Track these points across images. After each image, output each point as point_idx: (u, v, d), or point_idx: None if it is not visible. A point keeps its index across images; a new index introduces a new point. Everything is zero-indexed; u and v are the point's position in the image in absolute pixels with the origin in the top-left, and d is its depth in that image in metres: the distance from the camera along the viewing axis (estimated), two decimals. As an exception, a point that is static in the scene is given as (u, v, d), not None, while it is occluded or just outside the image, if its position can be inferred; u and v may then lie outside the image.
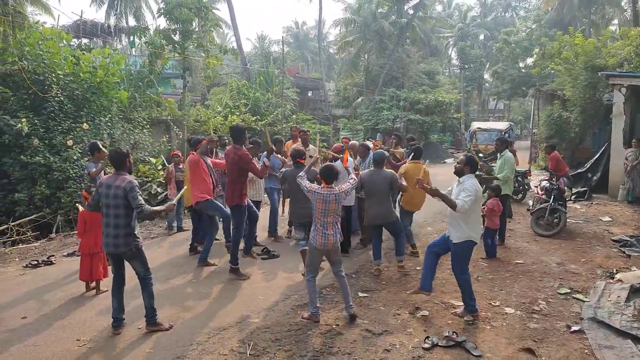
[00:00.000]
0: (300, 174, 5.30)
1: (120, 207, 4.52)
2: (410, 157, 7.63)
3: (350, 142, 8.80)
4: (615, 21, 35.27)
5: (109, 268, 5.45)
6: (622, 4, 32.40)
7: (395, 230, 6.66)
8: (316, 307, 5.05)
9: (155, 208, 4.72)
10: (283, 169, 7.40)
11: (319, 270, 5.33)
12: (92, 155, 7.07)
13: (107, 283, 5.94)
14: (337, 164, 7.29)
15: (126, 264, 4.81)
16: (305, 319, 5.05)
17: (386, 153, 7.05)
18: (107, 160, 6.66)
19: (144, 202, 4.56)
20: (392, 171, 6.72)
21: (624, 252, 7.64)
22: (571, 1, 33.27)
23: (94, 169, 6.85)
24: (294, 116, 22.74)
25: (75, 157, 9.51)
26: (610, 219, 10.09)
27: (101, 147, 7.05)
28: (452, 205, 4.96)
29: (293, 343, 4.55)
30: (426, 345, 4.50)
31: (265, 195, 8.58)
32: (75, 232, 7.41)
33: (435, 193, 5.15)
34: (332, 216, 5.00)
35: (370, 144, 9.14)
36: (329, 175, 5.07)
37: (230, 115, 17.17)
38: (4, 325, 4.94)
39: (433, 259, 5.43)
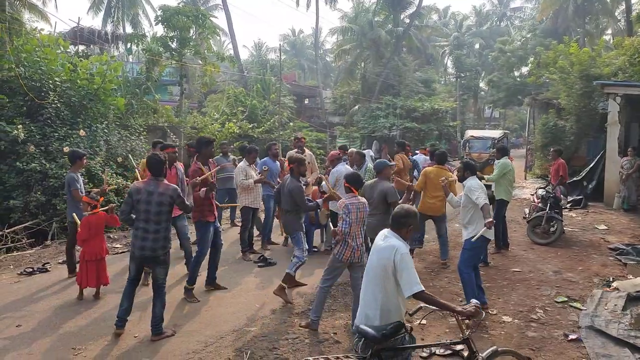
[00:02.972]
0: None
1: (164, 214, 4.62)
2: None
3: (349, 150, 8.81)
4: (609, 31, 35.70)
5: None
6: (616, 14, 32.80)
7: None
8: (317, 316, 5.00)
9: (191, 201, 5.32)
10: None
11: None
12: (73, 164, 6.57)
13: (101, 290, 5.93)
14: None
15: None
16: (302, 327, 5.02)
17: (387, 162, 6.94)
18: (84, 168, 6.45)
19: (187, 204, 4.96)
20: (389, 184, 6.43)
21: (620, 261, 7.66)
22: (566, 11, 33.64)
23: (79, 189, 6.36)
24: (290, 124, 22.76)
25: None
26: (606, 227, 10.12)
27: (83, 154, 6.73)
28: (487, 208, 5.29)
29: (290, 352, 4.52)
30: (424, 354, 4.49)
31: (261, 203, 8.55)
32: None
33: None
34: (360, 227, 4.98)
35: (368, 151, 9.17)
36: (357, 181, 5.09)
37: (227, 123, 17.18)
38: (-2, 333, 4.89)
39: (471, 274, 5.53)
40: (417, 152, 12.24)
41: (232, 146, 14.58)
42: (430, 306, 3.29)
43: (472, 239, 5.41)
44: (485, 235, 5.44)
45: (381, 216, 6.22)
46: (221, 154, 9.63)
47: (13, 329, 4.97)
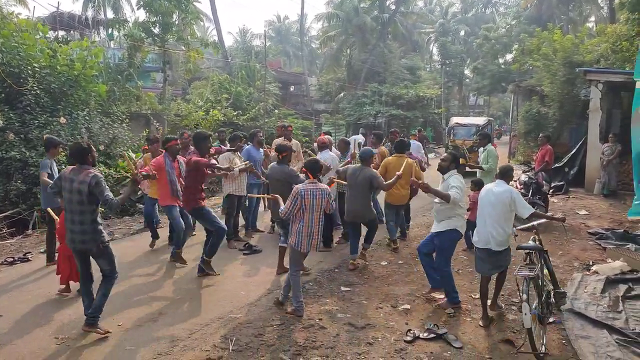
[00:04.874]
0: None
1: (85, 203, 4.33)
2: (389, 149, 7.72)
3: (324, 136, 8.78)
4: (592, 18, 35.95)
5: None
6: (599, 1, 33.03)
7: (370, 226, 6.74)
8: (300, 302, 5.05)
9: (120, 197, 4.62)
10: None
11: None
12: (47, 151, 6.63)
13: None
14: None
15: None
16: (288, 313, 5.04)
17: (374, 150, 7.01)
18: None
19: (111, 196, 4.37)
20: (374, 170, 6.69)
21: (599, 245, 7.82)
22: (550, -2, 33.81)
23: (46, 174, 6.32)
24: (276, 111, 22.64)
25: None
26: (587, 213, 10.31)
27: (58, 142, 6.76)
28: (446, 197, 5.10)
29: (276, 338, 4.55)
30: (408, 338, 4.54)
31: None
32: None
33: (427, 189, 5.26)
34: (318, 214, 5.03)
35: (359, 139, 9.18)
36: (314, 168, 5.11)
37: (211, 110, 17.00)
38: (-21, 323, 4.82)
39: (427, 260, 5.57)
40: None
41: (217, 133, 14.47)
42: (540, 220, 5.19)
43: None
44: (459, 229, 5.31)
45: (364, 201, 6.39)
46: (218, 142, 9.55)
47: (-6, 319, 4.91)
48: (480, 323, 4.90)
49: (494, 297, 5.17)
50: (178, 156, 6.77)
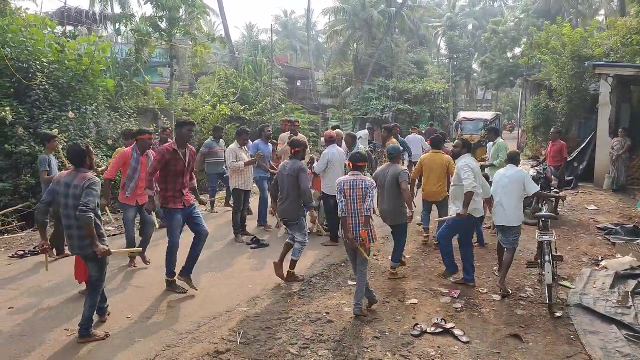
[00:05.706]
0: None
1: None
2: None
3: (332, 131, 8.54)
4: (602, 11, 35.51)
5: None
6: (609, -6, 32.62)
7: (397, 234, 6.10)
8: (358, 303, 4.91)
9: (93, 227, 4.08)
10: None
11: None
12: (44, 146, 6.79)
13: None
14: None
15: None
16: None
17: (400, 148, 6.61)
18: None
19: (92, 206, 4.07)
20: (404, 168, 6.18)
21: (609, 240, 7.77)
22: (559, -9, 33.45)
23: (47, 171, 6.42)
24: (283, 106, 22.59)
25: (61, 147, 9.33)
26: (596, 208, 10.23)
27: (52, 136, 6.81)
28: (469, 196, 5.41)
29: (283, 331, 4.57)
30: (415, 333, 4.55)
31: (255, 185, 8.54)
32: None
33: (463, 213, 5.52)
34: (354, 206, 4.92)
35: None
36: (356, 159, 5.10)
37: (218, 105, 17.01)
38: (-9, 316, 4.88)
39: (446, 244, 5.89)
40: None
41: (225, 127, 14.51)
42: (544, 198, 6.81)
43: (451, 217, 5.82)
44: (473, 214, 5.66)
45: (393, 201, 5.88)
46: (212, 138, 9.56)
47: (5, 312, 4.97)
48: (500, 291, 5.54)
49: (501, 277, 5.65)
50: (149, 151, 6.26)
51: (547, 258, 5.10)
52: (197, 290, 5.50)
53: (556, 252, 5.67)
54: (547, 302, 5.05)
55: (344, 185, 4.95)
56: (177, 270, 5.53)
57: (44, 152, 6.75)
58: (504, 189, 5.58)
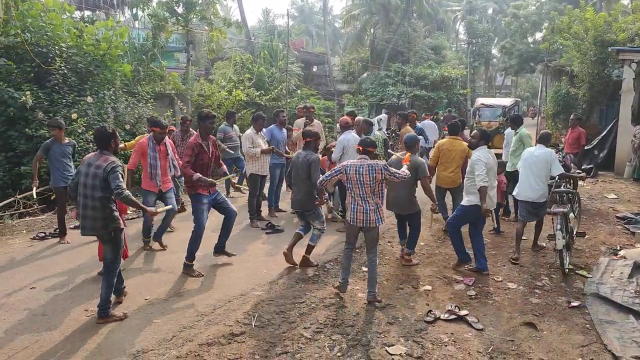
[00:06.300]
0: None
1: (98, 189, 4.25)
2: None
3: (356, 119, 8.49)
4: (628, -6, 34.46)
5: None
6: (636, -23, 31.57)
7: (411, 223, 6.15)
8: (345, 279, 5.05)
9: (135, 200, 4.35)
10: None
11: (355, 243, 5.21)
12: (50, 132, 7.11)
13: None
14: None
15: None
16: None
17: (417, 137, 6.48)
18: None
19: (124, 186, 4.24)
20: (423, 161, 6.21)
21: (628, 230, 7.65)
22: (583, -27, 32.47)
23: (41, 155, 6.90)
24: (298, 91, 22.51)
25: (80, 131, 9.49)
26: (616, 197, 10.06)
27: (55, 125, 6.90)
28: (484, 191, 5.39)
29: (297, 315, 4.62)
30: (429, 319, 4.56)
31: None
32: None
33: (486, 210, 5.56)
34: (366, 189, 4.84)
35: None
36: (365, 144, 5.01)
37: (234, 90, 17.03)
38: (13, 295, 5.02)
39: (457, 233, 5.89)
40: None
41: (239, 113, 14.53)
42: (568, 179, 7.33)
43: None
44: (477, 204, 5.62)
45: (406, 190, 5.94)
46: (225, 123, 9.58)
47: (27, 291, 5.11)
48: (512, 257, 6.15)
49: (534, 239, 6.58)
50: (167, 139, 6.63)
51: (558, 227, 5.53)
52: (232, 263, 6.03)
53: (577, 228, 6.09)
54: (560, 268, 5.66)
55: (349, 170, 4.85)
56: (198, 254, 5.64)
57: (50, 140, 6.97)
58: (532, 166, 6.04)
